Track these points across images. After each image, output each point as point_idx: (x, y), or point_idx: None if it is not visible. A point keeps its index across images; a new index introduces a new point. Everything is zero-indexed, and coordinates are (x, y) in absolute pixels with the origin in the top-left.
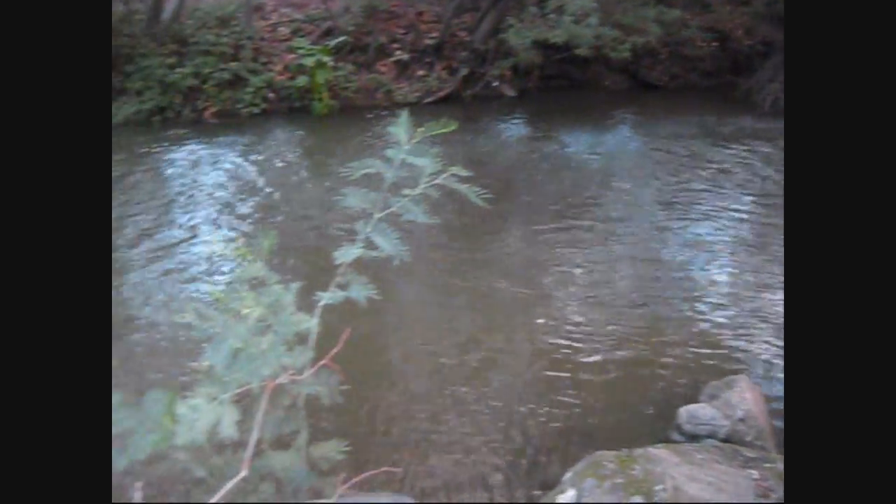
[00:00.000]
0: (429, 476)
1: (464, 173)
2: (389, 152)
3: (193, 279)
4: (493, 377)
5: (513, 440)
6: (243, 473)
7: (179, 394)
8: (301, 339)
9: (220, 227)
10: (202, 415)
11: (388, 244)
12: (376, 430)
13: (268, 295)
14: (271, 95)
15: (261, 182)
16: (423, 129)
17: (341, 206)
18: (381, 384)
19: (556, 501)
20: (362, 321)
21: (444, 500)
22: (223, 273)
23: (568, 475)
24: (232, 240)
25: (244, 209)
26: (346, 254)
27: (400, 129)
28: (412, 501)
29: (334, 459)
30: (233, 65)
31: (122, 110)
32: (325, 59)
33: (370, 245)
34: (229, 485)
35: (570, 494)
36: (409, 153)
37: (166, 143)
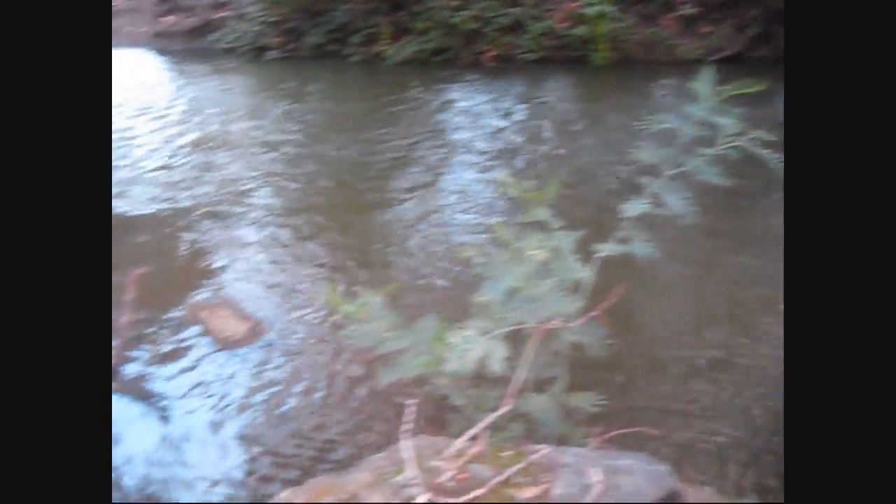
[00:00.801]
0: (673, 444)
1: (767, 137)
2: (688, 108)
3: (463, 217)
4: (746, 362)
5: (754, 419)
6: (506, 408)
7: (452, 324)
8: (574, 287)
9: (491, 169)
10: (474, 346)
11: (677, 203)
12: (633, 388)
13: (551, 239)
14: (549, 43)
15: (536, 129)
16: (729, 87)
17: (625, 158)
18: (643, 344)
19: None
20: (636, 278)
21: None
22: (498, 213)
23: None
24: (512, 183)
25: (521, 155)
26: (632, 207)
27: (702, 84)
28: (667, 469)
29: (588, 411)
30: (514, 10)
31: (406, 49)
32: (608, 9)
33: (657, 201)
34: (489, 417)
35: None
36: (709, 111)
37: (444, 84)
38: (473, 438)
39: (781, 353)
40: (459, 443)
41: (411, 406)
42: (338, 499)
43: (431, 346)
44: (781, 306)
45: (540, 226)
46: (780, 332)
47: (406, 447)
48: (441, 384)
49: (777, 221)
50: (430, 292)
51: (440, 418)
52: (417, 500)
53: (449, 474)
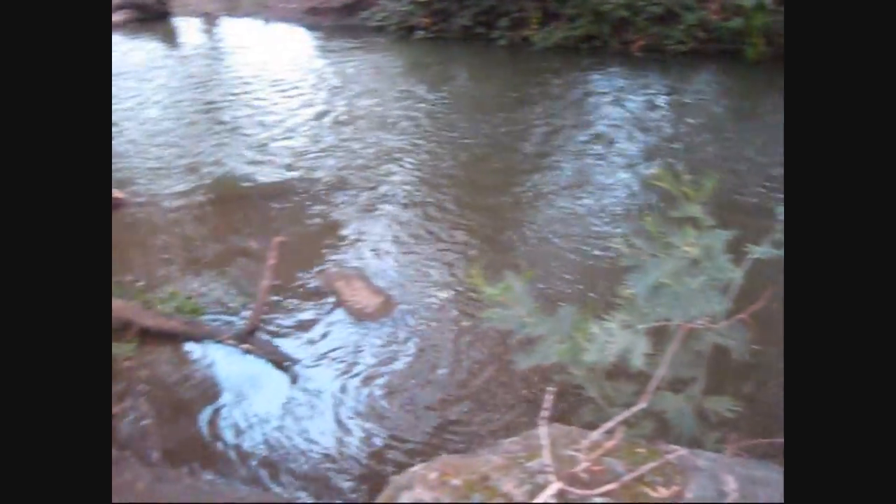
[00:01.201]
0: None
1: None
2: None
3: (601, 207)
4: None
5: None
6: (643, 405)
7: (594, 314)
8: (723, 288)
9: (634, 162)
10: (615, 339)
11: None
12: (773, 397)
13: (703, 237)
14: (701, 35)
15: (684, 124)
16: None
17: (779, 160)
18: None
19: None
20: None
21: None
22: (640, 206)
23: None
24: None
25: (665, 149)
26: None
27: None
28: None
29: (723, 416)
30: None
31: (554, 35)
32: (766, 0)
33: None
34: (626, 412)
35: None
36: None
37: (590, 71)
38: (609, 432)
39: None
40: (595, 435)
41: (550, 393)
42: (468, 479)
43: (571, 334)
44: None
45: (691, 222)
46: None
47: (543, 433)
48: (576, 374)
49: None
50: (568, 280)
51: (571, 408)
52: (550, 489)
53: (584, 465)
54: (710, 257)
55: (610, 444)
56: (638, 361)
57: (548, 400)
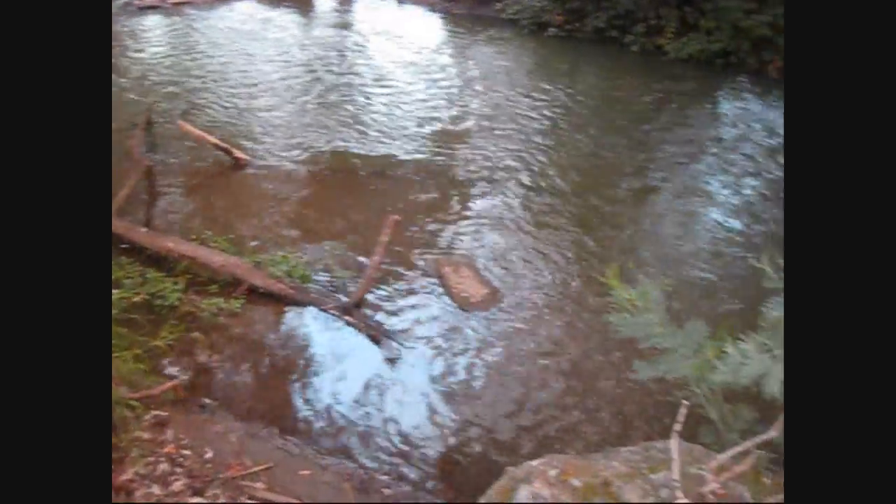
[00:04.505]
0: None
1: None
2: None
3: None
4: None
5: None
6: (774, 434)
7: (728, 333)
8: None
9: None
10: (751, 362)
11: None
12: None
13: None
14: None
15: None
16: None
17: None
18: None
19: None
20: None
21: None
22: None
23: None
24: None
25: None
26: None
27: None
28: None
29: None
30: None
31: (688, 46)
32: None
33: None
34: (758, 439)
35: None
36: None
37: (723, 88)
38: (737, 457)
39: None
40: (724, 457)
41: (684, 408)
42: (589, 482)
43: (702, 350)
44: None
45: None
46: None
47: (675, 447)
48: (695, 391)
49: None
50: (699, 294)
51: (687, 426)
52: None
53: (712, 486)
54: None
55: (738, 469)
56: (775, 388)
57: (682, 413)
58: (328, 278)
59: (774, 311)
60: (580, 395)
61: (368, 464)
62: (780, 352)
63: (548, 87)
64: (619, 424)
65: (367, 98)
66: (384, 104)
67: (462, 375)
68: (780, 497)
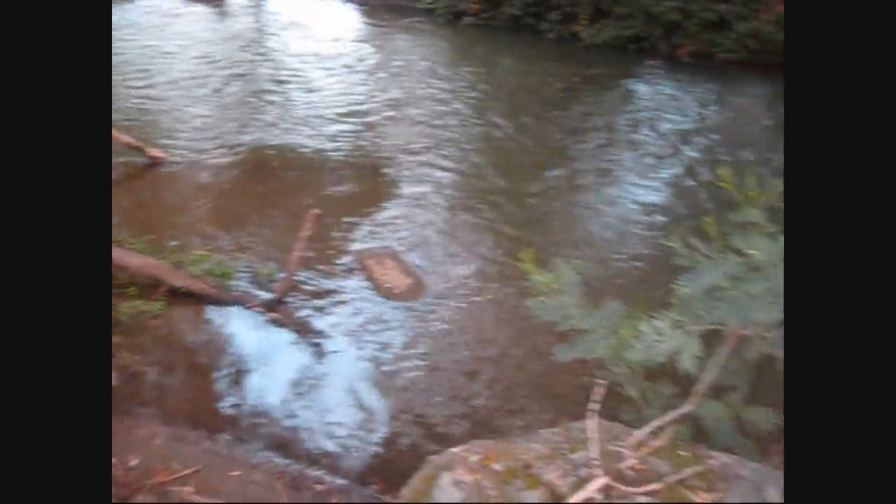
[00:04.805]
0: None
1: None
2: None
3: (642, 205)
4: None
5: None
6: (689, 408)
7: (643, 311)
8: (779, 296)
9: (670, 166)
10: (665, 338)
11: None
12: None
13: (763, 243)
14: (753, 45)
15: (731, 134)
16: None
17: None
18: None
19: None
20: None
21: None
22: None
23: None
24: (731, 179)
25: (715, 153)
26: None
27: None
28: None
29: (762, 428)
30: (721, 7)
31: (602, 33)
32: None
33: None
34: (673, 413)
35: None
36: None
37: (636, 73)
38: (655, 432)
39: None
40: (640, 433)
41: (600, 387)
42: (510, 465)
43: (618, 330)
44: None
45: (751, 227)
46: None
47: (591, 426)
48: (617, 371)
49: None
50: (617, 274)
51: (608, 405)
52: (594, 483)
53: (629, 462)
54: (771, 264)
55: (656, 443)
56: (688, 363)
57: (598, 393)
58: (250, 275)
59: (684, 287)
60: (509, 381)
61: (299, 460)
62: (693, 328)
63: (464, 75)
64: (550, 408)
65: (281, 91)
66: (298, 97)
67: (390, 367)
68: (698, 468)
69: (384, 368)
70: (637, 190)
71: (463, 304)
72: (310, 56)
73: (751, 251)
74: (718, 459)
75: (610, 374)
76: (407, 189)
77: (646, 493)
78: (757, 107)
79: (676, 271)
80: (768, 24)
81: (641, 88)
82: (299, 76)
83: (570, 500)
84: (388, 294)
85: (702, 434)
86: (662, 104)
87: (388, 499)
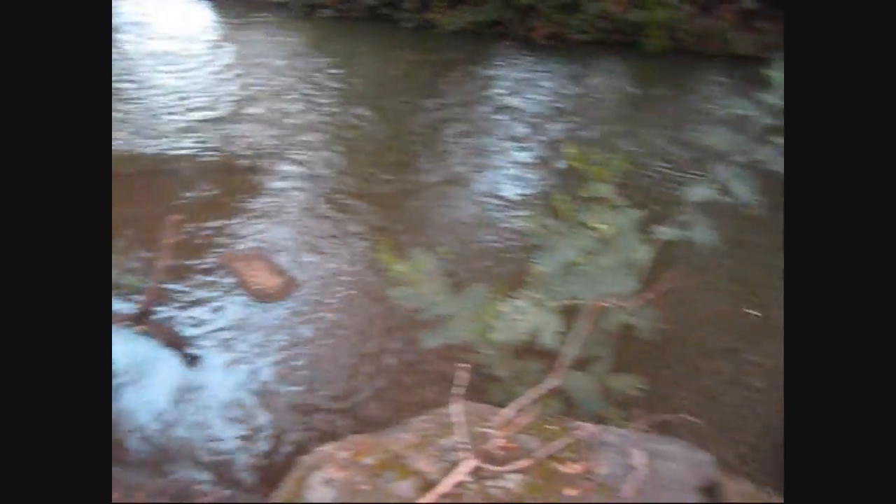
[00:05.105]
0: (714, 431)
1: None
2: (763, 95)
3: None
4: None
5: None
6: (554, 382)
7: (503, 293)
8: (632, 267)
9: (533, 146)
10: (526, 317)
11: (743, 190)
12: (677, 375)
13: (613, 216)
14: (603, 25)
15: (585, 110)
16: None
17: (679, 144)
18: (693, 333)
19: None
20: (693, 264)
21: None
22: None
23: None
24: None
25: (566, 134)
26: (696, 193)
27: (778, 72)
28: (709, 458)
29: (629, 394)
30: None
31: (459, 19)
32: None
33: (722, 188)
34: (538, 389)
35: None
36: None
37: (494, 57)
38: (521, 409)
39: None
40: (507, 412)
41: (463, 371)
42: (381, 458)
43: (481, 313)
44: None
45: (600, 202)
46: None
47: (456, 411)
48: (485, 353)
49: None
50: (478, 258)
51: (480, 387)
52: (463, 466)
53: (497, 442)
54: (620, 237)
55: (522, 421)
56: (549, 339)
57: (460, 377)
58: (115, 289)
59: (540, 265)
60: (389, 373)
61: (182, 475)
62: (552, 304)
63: (321, 68)
64: (430, 395)
65: (128, 93)
66: (146, 98)
67: (267, 370)
68: (567, 440)
69: (261, 372)
70: (498, 173)
71: (335, 300)
72: (159, 55)
73: (599, 225)
74: (585, 429)
75: (479, 356)
76: (267, 187)
77: (515, 471)
78: (610, 83)
79: (534, 250)
80: (617, 4)
81: (500, 72)
82: (146, 77)
83: (441, 486)
84: (259, 295)
85: (571, 406)
86: (520, 87)
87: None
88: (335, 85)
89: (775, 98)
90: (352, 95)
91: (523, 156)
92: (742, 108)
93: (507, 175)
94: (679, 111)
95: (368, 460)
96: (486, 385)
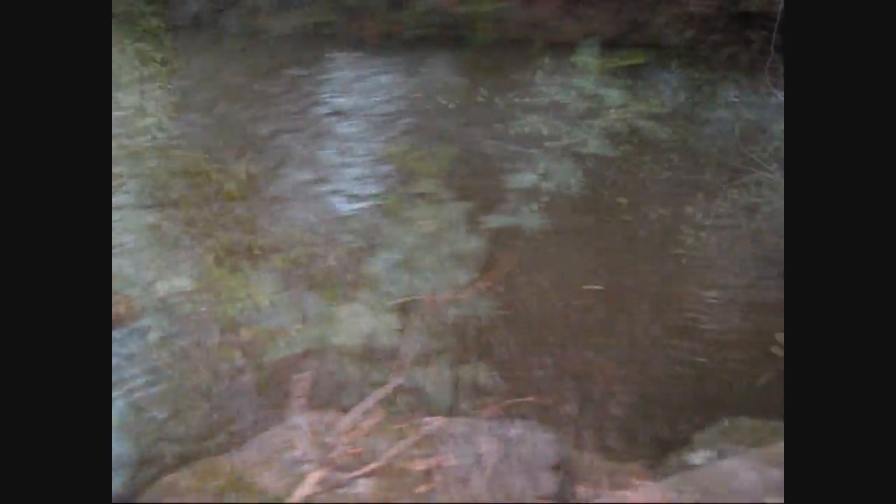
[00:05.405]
0: (563, 412)
1: (656, 110)
2: (575, 80)
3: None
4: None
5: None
6: (397, 381)
7: (339, 297)
8: (463, 258)
9: (369, 143)
10: (361, 320)
11: (563, 173)
12: (522, 359)
13: (440, 211)
14: (433, 20)
15: (417, 105)
16: (613, 58)
17: (509, 133)
18: (534, 315)
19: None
20: (526, 249)
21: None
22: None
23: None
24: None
25: (400, 131)
26: (519, 179)
27: (587, 57)
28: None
29: (479, 383)
30: None
31: (288, 22)
32: None
33: (544, 173)
34: (380, 391)
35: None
36: (596, 83)
37: (324, 59)
38: (367, 412)
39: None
40: (351, 417)
41: (301, 380)
42: (225, 480)
43: (318, 320)
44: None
45: (427, 197)
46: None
47: (296, 423)
48: (329, 359)
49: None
50: (313, 265)
51: (329, 394)
52: (310, 478)
53: (342, 449)
54: (448, 230)
55: (369, 423)
56: (387, 339)
57: (299, 387)
58: None
59: (372, 266)
60: (243, 393)
61: None
62: (388, 304)
63: (138, 82)
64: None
65: None
66: None
67: (118, 401)
68: (415, 437)
69: (118, 403)
70: (332, 176)
71: (178, 320)
72: None
73: (423, 220)
74: (433, 424)
75: (322, 362)
76: None
77: (365, 475)
78: (439, 78)
79: (367, 252)
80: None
81: (335, 73)
82: None
83: (290, 501)
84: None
85: (422, 402)
86: (355, 88)
87: None
88: (149, 100)
89: (588, 83)
90: (171, 108)
91: (356, 158)
92: (561, 94)
93: (341, 177)
94: (503, 101)
95: (214, 483)
96: (337, 392)
